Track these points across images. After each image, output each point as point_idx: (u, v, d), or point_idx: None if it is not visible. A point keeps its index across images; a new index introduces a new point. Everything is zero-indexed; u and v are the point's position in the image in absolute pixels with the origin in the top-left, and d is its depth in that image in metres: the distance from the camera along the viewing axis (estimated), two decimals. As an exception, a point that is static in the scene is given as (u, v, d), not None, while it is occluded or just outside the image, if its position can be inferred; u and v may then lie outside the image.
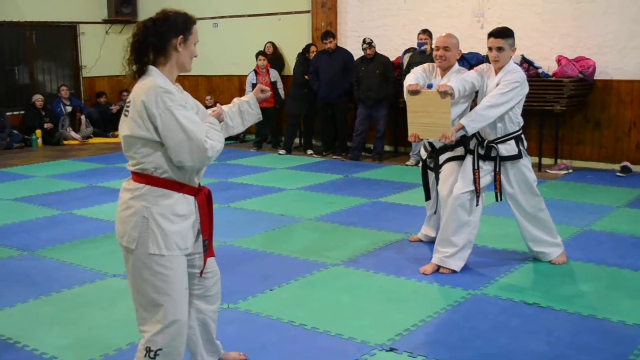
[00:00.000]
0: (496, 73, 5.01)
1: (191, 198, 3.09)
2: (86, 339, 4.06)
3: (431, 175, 5.55)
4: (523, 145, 5.11)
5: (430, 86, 5.19)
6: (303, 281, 4.94)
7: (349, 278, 5.05)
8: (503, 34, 4.97)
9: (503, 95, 4.85)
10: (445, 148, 5.28)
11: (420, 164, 5.65)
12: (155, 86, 2.91)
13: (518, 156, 5.06)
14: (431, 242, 5.63)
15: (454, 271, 5.08)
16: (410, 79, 5.12)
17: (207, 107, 9.75)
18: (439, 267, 5.13)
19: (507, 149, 5.05)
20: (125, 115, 3.01)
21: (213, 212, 3.24)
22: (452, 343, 3.95)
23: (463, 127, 4.87)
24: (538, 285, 4.88)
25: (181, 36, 3.01)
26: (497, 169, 5.06)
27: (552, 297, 4.62)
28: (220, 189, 8.26)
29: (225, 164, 10.14)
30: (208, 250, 3.22)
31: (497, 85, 4.93)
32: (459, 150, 5.26)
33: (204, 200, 3.16)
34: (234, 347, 3.90)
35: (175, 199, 3.01)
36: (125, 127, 3.00)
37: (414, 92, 4.98)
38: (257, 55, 11.48)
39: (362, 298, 4.66)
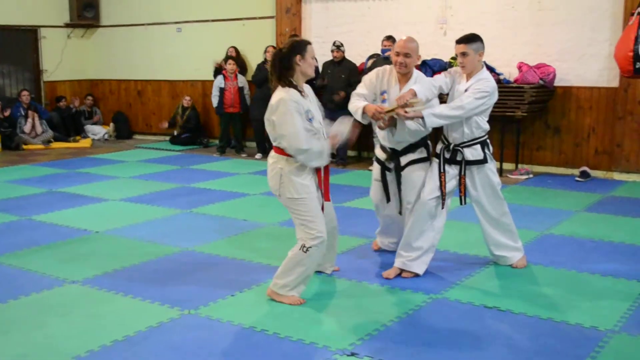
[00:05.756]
0: (467, 79, 5.04)
1: None
2: (44, 347, 4.00)
3: (389, 178, 5.42)
4: (489, 150, 5.17)
5: (383, 92, 5.16)
6: (265, 286, 4.90)
7: (311, 283, 5.03)
8: (466, 39, 5.03)
9: (471, 103, 4.90)
10: (407, 150, 5.25)
11: (379, 167, 5.46)
12: None
13: (484, 161, 5.11)
14: (393, 250, 5.61)
15: (416, 275, 5.10)
16: (360, 104, 5.05)
17: (185, 108, 10.10)
18: (401, 271, 5.15)
19: (473, 153, 5.09)
20: None
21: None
22: (413, 347, 3.96)
23: (422, 118, 4.87)
24: (498, 289, 4.92)
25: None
26: (462, 173, 5.10)
27: (512, 300, 4.66)
28: (183, 194, 8.20)
29: (188, 169, 10.09)
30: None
31: (466, 91, 4.97)
32: (420, 152, 5.27)
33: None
34: (195, 353, 3.88)
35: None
36: None
37: (380, 114, 4.94)
38: (227, 59, 11.56)
39: (324, 303, 4.66)
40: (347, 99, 5.56)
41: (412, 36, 5.21)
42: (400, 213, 5.48)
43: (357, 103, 5.12)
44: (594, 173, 9.21)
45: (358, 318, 4.38)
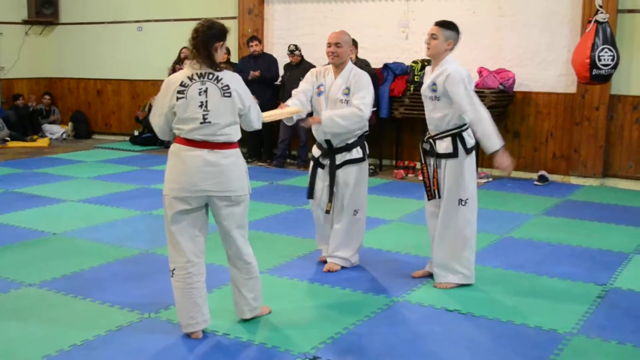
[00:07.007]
0: (433, 68, 5.00)
1: None
2: (0, 353, 3.91)
3: (320, 175, 5.41)
4: (462, 143, 4.92)
5: (320, 85, 5.33)
6: (226, 290, 4.87)
7: (273, 286, 5.03)
8: (441, 23, 4.97)
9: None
10: (344, 148, 5.29)
11: (312, 163, 5.47)
12: None
13: (453, 154, 4.91)
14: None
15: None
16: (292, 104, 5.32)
17: (150, 106, 9.50)
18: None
19: (444, 146, 4.94)
20: None
21: None
22: (376, 350, 3.97)
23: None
24: (459, 292, 4.96)
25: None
26: (435, 166, 4.97)
27: (473, 303, 4.71)
28: (142, 196, 8.11)
29: (148, 169, 9.98)
30: None
31: (434, 85, 4.89)
32: (356, 152, 5.30)
33: None
34: (156, 358, 3.84)
35: None
36: None
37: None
38: (179, 61, 11.65)
39: (286, 306, 4.65)
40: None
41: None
42: (327, 212, 5.39)
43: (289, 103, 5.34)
44: (552, 177, 9.36)
45: (320, 321, 4.38)
